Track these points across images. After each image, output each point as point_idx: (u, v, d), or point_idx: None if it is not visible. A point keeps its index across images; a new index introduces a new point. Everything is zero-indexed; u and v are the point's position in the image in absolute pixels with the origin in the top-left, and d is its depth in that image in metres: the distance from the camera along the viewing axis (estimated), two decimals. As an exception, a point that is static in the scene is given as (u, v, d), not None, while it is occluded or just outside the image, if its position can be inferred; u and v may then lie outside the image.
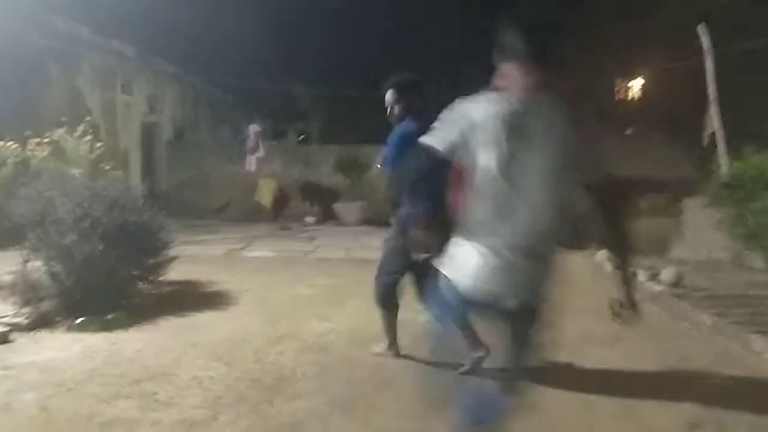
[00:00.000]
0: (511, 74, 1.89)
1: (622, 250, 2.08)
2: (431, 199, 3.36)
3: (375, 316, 4.76)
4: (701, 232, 8.48)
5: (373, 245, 9.10)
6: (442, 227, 3.38)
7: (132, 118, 12.06)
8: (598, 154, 2.03)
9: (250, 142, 13.28)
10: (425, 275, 3.49)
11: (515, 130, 1.82)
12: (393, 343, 3.82)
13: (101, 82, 10.93)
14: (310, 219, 12.49)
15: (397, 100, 3.67)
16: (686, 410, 3.09)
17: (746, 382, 3.58)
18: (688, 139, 11.22)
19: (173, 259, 5.23)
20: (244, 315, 4.80)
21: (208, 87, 16.26)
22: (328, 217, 12.68)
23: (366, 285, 5.82)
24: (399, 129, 3.56)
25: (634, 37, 15.89)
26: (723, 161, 8.24)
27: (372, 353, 3.83)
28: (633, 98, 20.93)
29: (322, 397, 3.16)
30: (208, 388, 3.23)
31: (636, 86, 20.79)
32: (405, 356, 3.73)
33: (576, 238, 2.76)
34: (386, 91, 3.71)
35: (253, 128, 13.49)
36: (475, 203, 1.90)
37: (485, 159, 1.84)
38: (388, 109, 3.73)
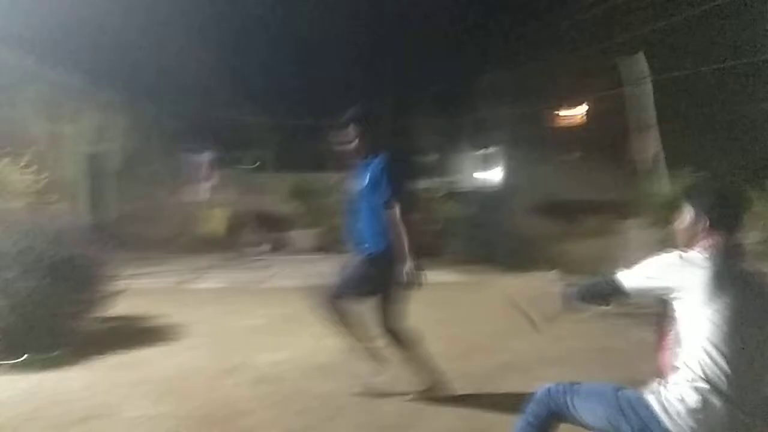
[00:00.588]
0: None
1: None
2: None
3: (330, 343, 4.78)
4: (644, 251, 8.83)
5: (328, 272, 9.10)
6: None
7: (79, 148, 11.76)
8: None
9: (202, 171, 13.15)
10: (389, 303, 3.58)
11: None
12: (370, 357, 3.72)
13: (47, 111, 10.65)
14: (264, 247, 12.37)
15: (362, 134, 3.55)
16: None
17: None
18: (629, 162, 11.74)
19: (121, 292, 5.09)
20: (194, 348, 4.70)
21: (158, 115, 16.04)
22: (282, 245, 12.59)
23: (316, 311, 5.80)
24: (386, 162, 3.48)
25: (576, 65, 16.61)
26: (663, 182, 8.68)
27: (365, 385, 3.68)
28: (574, 124, 21.77)
29: (275, 429, 3.14)
30: (156, 427, 3.15)
31: (579, 112, 21.64)
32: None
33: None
34: (348, 123, 3.58)
35: (205, 156, 13.37)
36: None
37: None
38: (350, 142, 3.58)
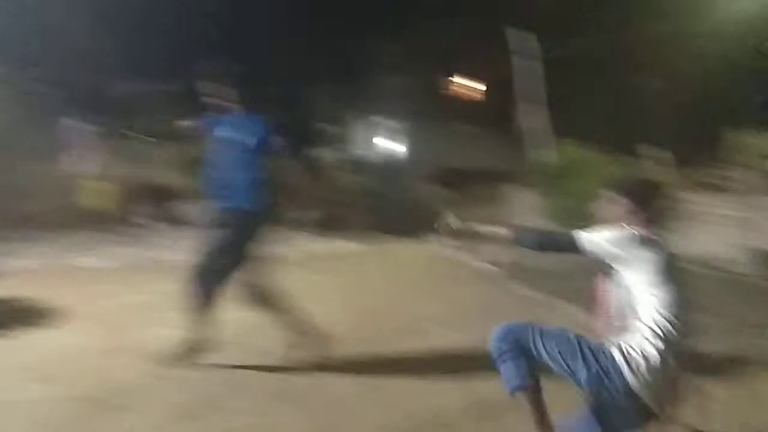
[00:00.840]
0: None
1: None
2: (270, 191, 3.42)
3: (228, 318, 4.66)
4: (527, 215, 9.41)
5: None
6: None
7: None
8: None
9: (87, 141, 12.10)
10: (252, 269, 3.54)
11: None
12: (199, 347, 3.61)
13: None
14: (147, 220, 11.74)
15: (230, 89, 3.59)
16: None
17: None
18: (512, 132, 12.36)
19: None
20: (76, 330, 4.39)
21: (27, 84, 14.50)
22: (167, 217, 12.01)
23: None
24: (258, 119, 3.57)
25: (468, 36, 17.05)
26: (539, 151, 9.22)
27: (168, 364, 3.55)
28: (466, 95, 22.49)
29: (161, 406, 3.02)
30: (42, 410, 2.92)
31: (474, 83, 22.34)
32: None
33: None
34: (219, 76, 3.59)
35: (79, 126, 12.32)
36: None
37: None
38: (221, 95, 3.59)
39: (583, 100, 13.85)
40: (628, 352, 2.17)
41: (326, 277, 6.54)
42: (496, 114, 17.07)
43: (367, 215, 11.47)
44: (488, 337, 4.12)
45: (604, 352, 2.21)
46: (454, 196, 12.94)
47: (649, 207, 2.45)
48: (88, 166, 12.01)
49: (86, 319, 4.68)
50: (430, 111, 18.78)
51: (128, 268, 7.12)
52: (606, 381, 2.15)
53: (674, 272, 2.28)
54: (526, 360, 2.36)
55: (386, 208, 11.67)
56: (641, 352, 2.15)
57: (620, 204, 2.47)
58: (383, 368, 3.59)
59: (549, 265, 6.35)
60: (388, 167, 18.05)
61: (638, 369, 2.13)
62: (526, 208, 9.43)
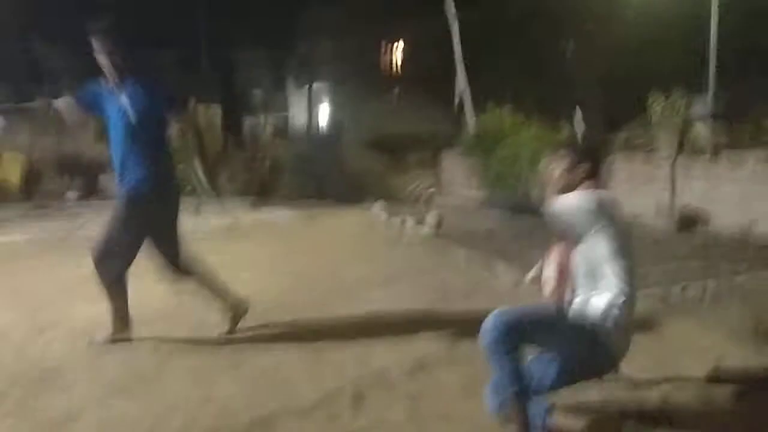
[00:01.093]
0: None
1: None
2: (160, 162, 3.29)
3: (152, 291, 4.59)
4: (457, 179, 9.63)
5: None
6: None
7: None
8: None
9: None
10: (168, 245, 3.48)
11: None
12: (123, 320, 3.51)
13: None
14: (71, 194, 11.20)
15: (115, 51, 3.23)
16: (447, 334, 3.60)
17: (494, 303, 4.25)
18: (445, 97, 12.49)
19: None
20: (2, 308, 4.21)
21: None
22: (93, 191, 11.49)
23: (142, 260, 5.53)
24: (146, 86, 3.30)
25: (395, 2, 16.92)
26: (471, 116, 9.40)
27: (95, 343, 3.45)
28: (395, 61, 22.41)
29: (98, 383, 2.98)
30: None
31: (397, 49, 22.26)
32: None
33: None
34: (100, 37, 3.23)
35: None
36: None
37: None
38: (110, 54, 3.22)
39: (508, 64, 14.14)
40: (602, 312, 2.29)
41: (257, 245, 6.51)
42: (422, 78, 17.15)
43: (302, 182, 11.40)
44: (423, 299, 4.29)
45: (583, 320, 2.32)
46: (389, 161, 13.03)
47: (601, 169, 2.58)
48: (6, 138, 11.26)
49: (9, 297, 4.50)
50: (365, 76, 18.67)
51: (49, 244, 6.82)
52: (589, 346, 2.28)
53: (627, 231, 2.46)
54: (518, 367, 2.28)
55: (321, 175, 11.63)
56: (612, 311, 2.28)
57: (577, 167, 2.52)
58: (319, 334, 3.66)
59: (485, 227, 6.58)
60: (324, 134, 17.92)
61: (613, 327, 2.27)
62: (460, 173, 9.64)
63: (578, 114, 8.74)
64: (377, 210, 7.87)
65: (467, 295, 4.43)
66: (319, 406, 2.72)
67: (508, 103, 9.13)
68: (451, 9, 9.42)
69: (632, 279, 2.35)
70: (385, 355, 3.28)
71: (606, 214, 2.37)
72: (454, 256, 5.57)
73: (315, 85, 23.81)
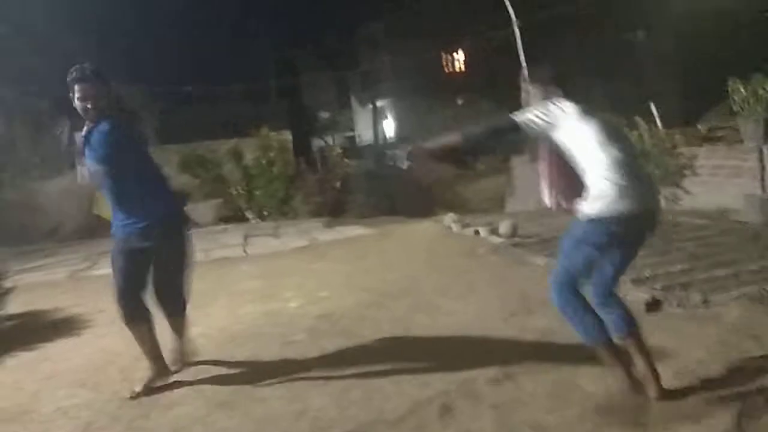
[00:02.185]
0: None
1: None
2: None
3: (244, 311, 4.82)
4: (528, 185, 9.48)
5: (233, 243, 8.99)
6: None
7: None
8: None
9: (81, 151, 12.20)
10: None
11: None
12: (157, 361, 3.42)
13: None
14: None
15: (103, 92, 3.25)
16: (530, 341, 3.57)
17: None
18: (510, 103, 12.37)
19: (10, 290, 4.79)
20: (103, 336, 4.54)
21: (21, 97, 14.60)
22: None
23: (230, 283, 5.82)
24: (113, 129, 3.23)
25: (451, 11, 16.97)
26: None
27: (136, 392, 3.30)
28: (459, 70, 22.37)
29: (199, 400, 3.18)
30: (76, 416, 3.09)
31: (460, 58, 22.23)
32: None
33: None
34: (82, 79, 3.21)
35: (79, 135, 12.41)
36: None
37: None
38: (87, 101, 3.22)
39: (575, 62, 13.80)
40: (596, 209, 2.58)
41: (335, 263, 6.67)
42: (484, 85, 17.03)
43: (372, 199, 11.58)
44: (503, 308, 4.26)
45: (588, 225, 2.63)
46: (457, 172, 13.00)
47: (562, 83, 2.93)
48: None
49: (108, 328, 4.82)
50: (428, 88, 18.78)
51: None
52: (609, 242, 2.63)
53: (608, 129, 2.70)
54: (591, 316, 2.71)
55: (391, 191, 11.77)
56: (596, 202, 2.58)
57: (538, 88, 2.96)
58: (402, 347, 3.73)
59: (551, 233, 6.46)
60: (389, 149, 18.12)
61: (613, 211, 2.54)
62: (531, 177, 9.49)
63: (653, 108, 8.42)
64: (449, 221, 7.86)
65: (548, 304, 4.35)
66: (408, 417, 2.78)
67: (578, 102, 8.92)
68: (511, 14, 9.37)
69: (613, 167, 2.57)
70: (470, 365, 3.30)
71: (567, 119, 2.69)
72: (531, 264, 5.49)
73: (378, 102, 24.19)
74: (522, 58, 9.43)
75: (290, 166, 12.01)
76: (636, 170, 2.69)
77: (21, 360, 4.08)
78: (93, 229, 11.50)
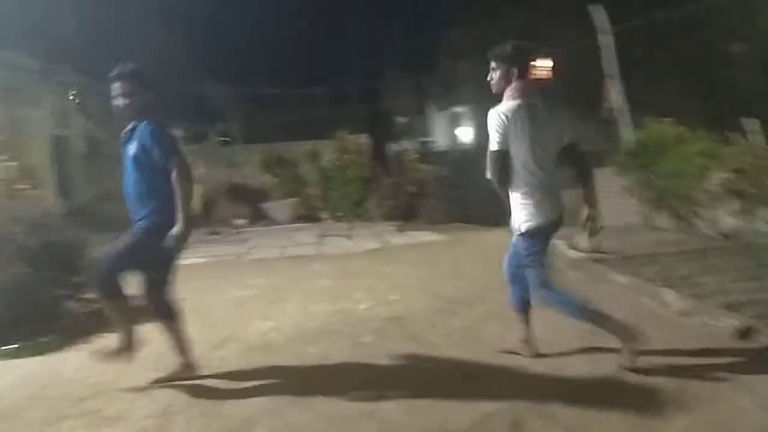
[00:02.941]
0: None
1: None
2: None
3: (316, 309, 4.90)
4: (612, 199, 9.07)
5: (307, 242, 9.21)
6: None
7: (41, 133, 11.45)
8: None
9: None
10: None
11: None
12: (127, 339, 3.45)
13: (5, 98, 10.30)
14: (240, 221, 12.35)
15: (140, 91, 3.32)
16: (609, 363, 3.41)
17: (659, 330, 3.96)
18: (595, 113, 11.93)
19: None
20: (186, 322, 4.75)
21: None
22: (258, 217, 12.58)
23: (304, 280, 5.94)
24: (153, 126, 3.29)
25: (538, 19, 16.60)
26: (627, 131, 8.84)
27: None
28: (542, 77, 21.85)
29: (271, 393, 3.25)
30: (156, 398, 3.24)
31: (544, 65, 21.72)
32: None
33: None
34: (119, 77, 3.30)
35: (173, 132, 13.12)
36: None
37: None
38: (122, 98, 3.30)
39: (668, 74, 13.13)
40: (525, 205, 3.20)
41: (409, 268, 6.66)
42: (570, 93, 16.50)
43: (446, 206, 11.47)
44: (580, 326, 4.09)
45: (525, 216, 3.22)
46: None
47: (526, 70, 3.24)
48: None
49: (188, 314, 5.03)
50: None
51: (224, 266, 7.57)
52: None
53: (539, 140, 3.14)
54: (570, 297, 3.35)
55: (465, 198, 11.63)
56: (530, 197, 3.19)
57: (507, 73, 3.22)
58: (473, 357, 3.66)
59: (646, 250, 6.17)
60: (463, 157, 17.92)
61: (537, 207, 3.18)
62: (614, 190, 9.09)
63: (752, 124, 7.85)
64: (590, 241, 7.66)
65: (628, 321, 4.14)
66: (475, 429, 2.72)
67: (669, 115, 8.48)
68: (599, 22, 9.03)
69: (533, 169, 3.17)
70: (543, 382, 3.19)
71: (512, 122, 3.09)
72: (612, 281, 5.25)
73: (456, 109, 24.04)
74: (611, 67, 9.04)
75: (366, 169, 12.12)
76: (554, 181, 3.32)
77: (108, 341, 4.32)
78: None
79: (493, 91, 3.31)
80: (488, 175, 3.25)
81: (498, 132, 3.12)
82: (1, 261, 4.18)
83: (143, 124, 3.29)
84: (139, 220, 3.34)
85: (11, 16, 10.26)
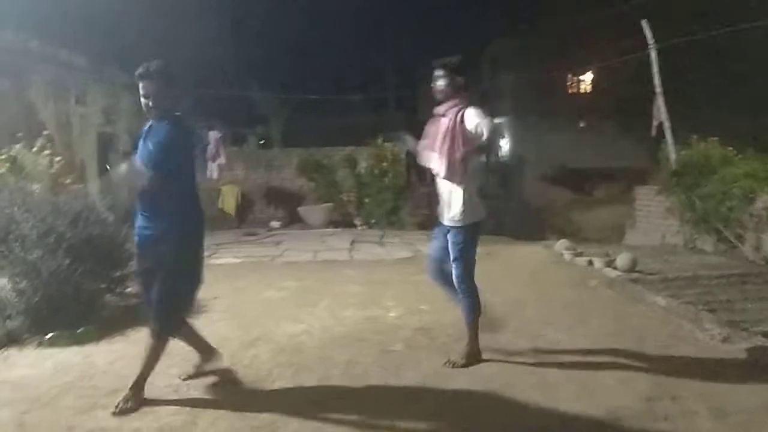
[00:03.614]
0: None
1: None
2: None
3: (346, 314, 4.90)
4: (653, 218, 8.86)
5: (340, 247, 9.24)
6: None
7: (88, 130, 11.81)
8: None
9: (211, 149, 13.15)
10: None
11: None
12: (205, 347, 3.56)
13: (54, 94, 10.68)
14: (275, 223, 12.48)
15: (165, 92, 3.22)
16: (642, 386, 3.30)
17: (697, 357, 3.83)
18: (638, 130, 11.68)
19: (140, 271, 5.19)
20: (215, 321, 4.82)
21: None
22: (293, 220, 12.69)
23: (335, 285, 5.97)
24: (171, 128, 3.19)
25: (583, 33, 16.37)
26: (671, 150, 8.62)
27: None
28: (585, 91, 21.52)
29: (298, 395, 3.26)
30: (185, 394, 3.29)
31: (587, 80, 21.39)
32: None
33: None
34: (145, 76, 3.22)
35: (213, 134, 13.35)
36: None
37: None
38: (148, 98, 3.21)
39: (714, 92, 12.76)
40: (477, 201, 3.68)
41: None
42: (612, 109, 16.20)
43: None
44: (613, 347, 3.99)
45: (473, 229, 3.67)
46: (574, 197, 12.47)
47: (468, 82, 3.68)
48: (216, 172, 12.95)
49: (221, 313, 5.11)
50: (549, 109, 18.23)
51: (257, 267, 7.65)
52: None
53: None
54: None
55: (500, 210, 11.52)
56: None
57: (454, 82, 3.58)
58: (502, 373, 3.60)
59: (687, 272, 5.98)
60: (503, 168, 17.80)
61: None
62: (656, 210, 8.87)
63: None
64: (560, 248, 7.53)
65: (666, 347, 4.02)
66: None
67: (715, 135, 8.24)
68: (649, 37, 8.84)
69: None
70: (573, 403, 3.11)
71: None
72: (650, 302, 5.10)
73: (496, 119, 23.97)
74: (657, 84, 8.83)
75: (401, 178, 12.12)
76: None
77: (142, 334, 4.40)
78: (216, 220, 12.35)
79: (439, 99, 3.67)
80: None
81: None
82: (44, 252, 4.30)
83: (163, 123, 3.21)
84: (152, 227, 3.23)
85: (63, 15, 10.65)
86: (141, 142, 3.30)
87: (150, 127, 3.28)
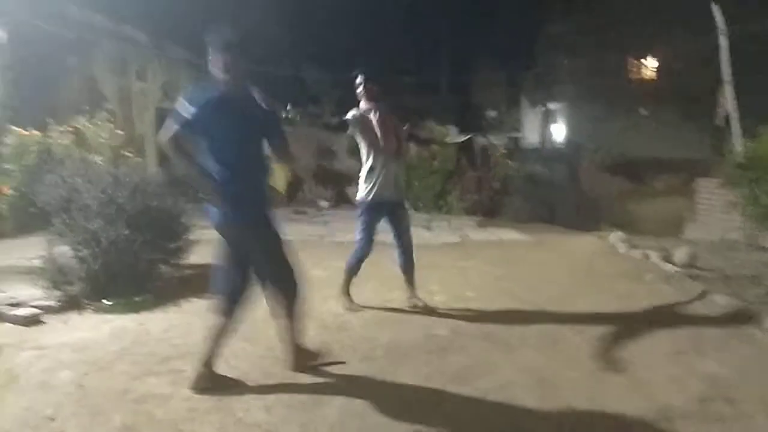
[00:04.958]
0: None
1: None
2: None
3: (391, 296, 4.92)
4: (714, 212, 8.48)
5: (387, 228, 9.22)
6: None
7: (147, 104, 12.19)
8: None
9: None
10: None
11: None
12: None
13: (116, 69, 11.04)
14: (324, 203, 12.61)
15: (244, 63, 3.09)
16: (695, 386, 3.19)
17: (757, 358, 3.66)
18: (702, 119, 11.15)
19: (194, 242, 5.35)
20: (262, 299, 4.91)
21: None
22: (342, 200, 12.78)
23: (381, 267, 5.98)
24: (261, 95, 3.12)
25: (646, 15, 15.67)
26: (737, 141, 8.19)
27: None
28: (646, 77, 20.65)
29: (343, 373, 3.30)
30: (235, 366, 3.37)
31: (648, 65, 20.51)
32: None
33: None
34: (228, 47, 3.00)
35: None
36: None
37: None
38: (233, 70, 3.01)
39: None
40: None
41: (483, 264, 6.53)
42: (675, 97, 15.50)
43: (531, 205, 11.15)
44: (667, 345, 3.85)
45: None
46: (631, 188, 12.06)
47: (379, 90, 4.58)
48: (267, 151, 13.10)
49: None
50: (607, 95, 17.60)
51: (305, 245, 7.74)
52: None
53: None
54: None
55: (552, 199, 11.26)
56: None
57: (366, 87, 4.49)
58: (546, 365, 3.53)
59: (749, 271, 5.71)
60: (558, 155, 17.36)
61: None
62: (717, 203, 8.48)
63: None
64: (615, 240, 7.31)
65: (723, 347, 3.86)
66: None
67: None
68: (720, 22, 8.36)
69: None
70: (622, 402, 3.02)
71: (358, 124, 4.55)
72: (708, 300, 4.90)
73: (550, 105, 23.26)
74: (726, 72, 8.37)
75: (450, 162, 11.99)
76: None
77: (195, 306, 4.55)
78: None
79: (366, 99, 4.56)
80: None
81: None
82: (104, 222, 4.47)
83: (246, 94, 3.09)
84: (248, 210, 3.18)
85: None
86: (213, 113, 2.99)
87: (221, 99, 2.99)
